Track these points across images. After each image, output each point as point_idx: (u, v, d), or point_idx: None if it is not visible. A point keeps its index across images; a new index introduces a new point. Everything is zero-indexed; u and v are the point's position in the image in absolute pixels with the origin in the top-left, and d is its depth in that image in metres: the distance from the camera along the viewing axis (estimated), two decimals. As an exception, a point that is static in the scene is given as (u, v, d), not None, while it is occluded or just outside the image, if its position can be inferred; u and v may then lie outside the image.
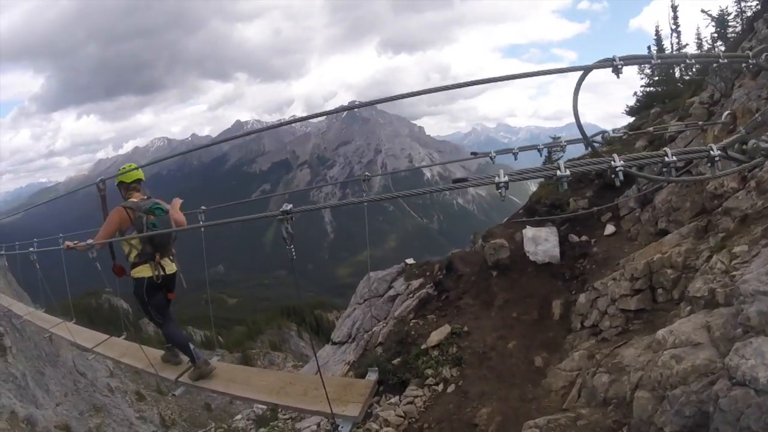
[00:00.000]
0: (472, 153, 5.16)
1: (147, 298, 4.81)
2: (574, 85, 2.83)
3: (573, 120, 3.25)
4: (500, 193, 2.32)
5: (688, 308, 5.01)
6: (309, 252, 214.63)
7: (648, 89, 15.75)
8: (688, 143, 7.86)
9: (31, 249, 6.46)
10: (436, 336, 8.33)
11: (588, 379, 5.84)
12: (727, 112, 5.48)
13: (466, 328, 8.41)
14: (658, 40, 17.92)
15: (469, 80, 2.78)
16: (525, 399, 6.69)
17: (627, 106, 16.21)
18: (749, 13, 12.97)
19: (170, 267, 4.99)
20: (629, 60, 2.62)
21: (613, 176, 2.31)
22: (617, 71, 2.61)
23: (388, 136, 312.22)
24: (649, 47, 17.78)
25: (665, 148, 2.44)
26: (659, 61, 2.71)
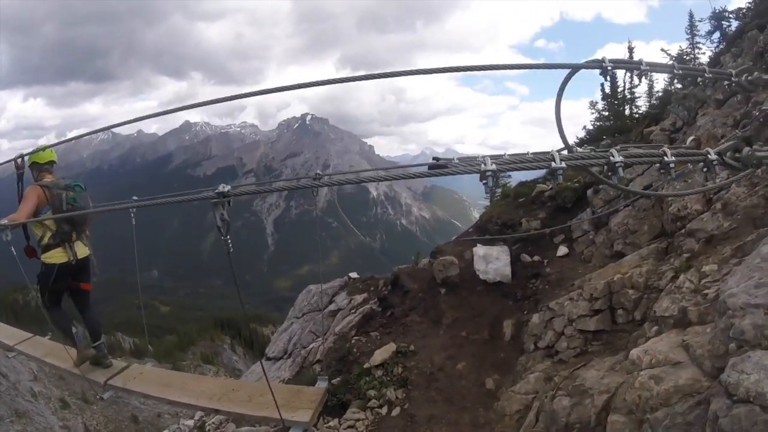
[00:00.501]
0: (434, 158, 4.84)
1: (60, 282, 4.69)
2: (557, 91, 2.57)
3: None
4: (485, 184, 1.93)
5: (655, 328, 4.87)
6: (248, 263, 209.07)
7: (598, 123, 16.12)
8: (646, 169, 7.84)
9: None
10: (380, 355, 7.75)
11: (546, 402, 5.54)
12: (691, 138, 5.41)
13: (412, 347, 7.90)
14: (612, 79, 18.32)
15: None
16: (477, 424, 6.26)
17: (576, 137, 16.51)
18: (705, 56, 13.63)
19: (82, 251, 4.89)
20: (618, 63, 2.52)
21: (610, 173, 2.10)
22: (605, 73, 2.51)
23: (338, 152, 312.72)
24: (602, 85, 18.17)
25: (663, 147, 2.29)
26: (647, 67, 2.61)
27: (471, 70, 2.41)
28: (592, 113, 16.39)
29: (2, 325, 7.36)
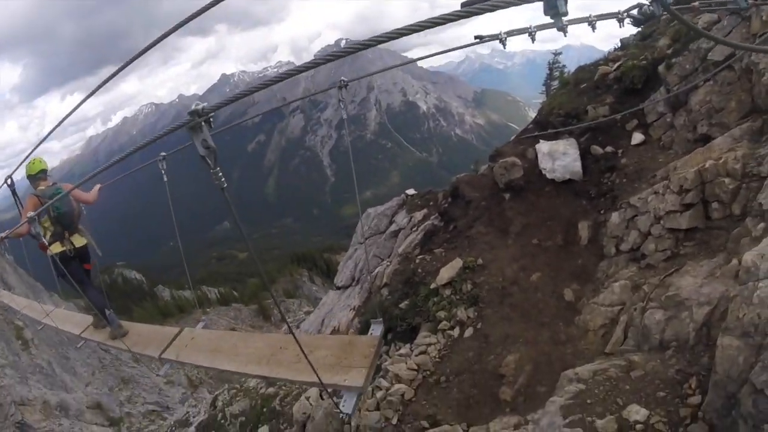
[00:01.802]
0: (476, 36, 3.89)
1: (65, 269, 5.04)
2: None
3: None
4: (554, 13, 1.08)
5: (762, 225, 4.08)
6: (312, 197, 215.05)
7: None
8: (726, 34, 6.38)
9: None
10: (446, 272, 7.22)
11: (636, 315, 4.89)
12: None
13: (480, 261, 7.28)
14: None
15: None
16: (557, 341, 5.68)
17: (627, 15, 14.20)
18: None
19: (79, 241, 5.73)
20: None
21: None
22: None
23: (381, 72, 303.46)
24: None
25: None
26: None
27: None
28: None
29: (70, 313, 7.84)
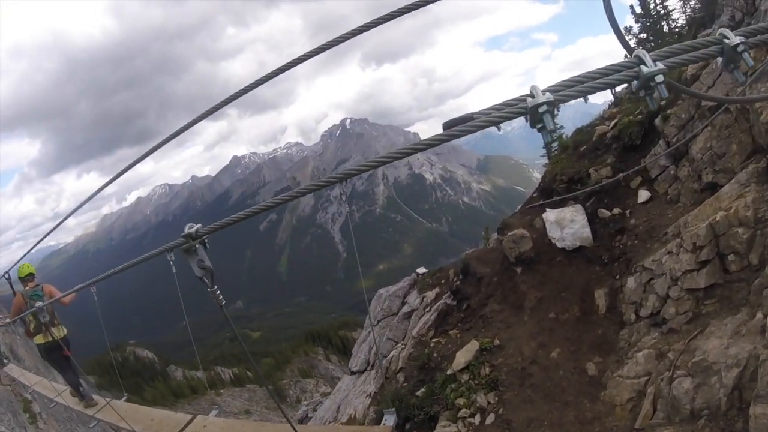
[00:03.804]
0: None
1: (47, 355, 6.92)
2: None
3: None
4: (541, 128, 1.15)
5: None
6: (325, 274, 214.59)
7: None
8: (717, 77, 6.55)
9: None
10: (462, 356, 6.97)
11: (663, 386, 4.64)
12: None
13: (497, 341, 7.05)
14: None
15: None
16: (584, 420, 5.36)
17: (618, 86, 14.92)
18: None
19: (59, 332, 6.81)
20: None
21: (732, 69, 1.19)
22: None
23: (384, 147, 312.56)
24: (631, 6, 16.38)
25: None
26: None
27: None
28: (629, 38, 14.84)
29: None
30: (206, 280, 2.04)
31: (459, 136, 1.44)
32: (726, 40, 1.14)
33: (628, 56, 1.21)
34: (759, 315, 4.03)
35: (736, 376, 3.77)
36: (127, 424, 5.53)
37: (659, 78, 1.03)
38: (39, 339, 6.77)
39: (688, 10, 14.05)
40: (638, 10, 15.49)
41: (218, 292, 2.20)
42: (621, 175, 7.90)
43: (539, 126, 1.12)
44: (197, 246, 1.91)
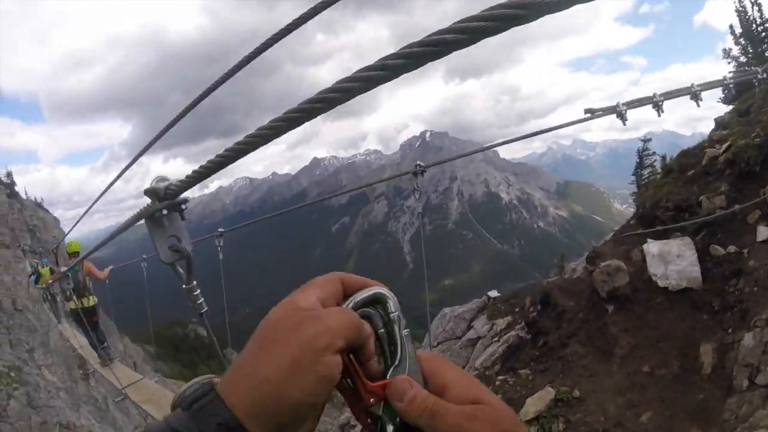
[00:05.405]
0: (587, 110, 3.12)
1: (76, 318, 8.62)
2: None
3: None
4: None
5: None
6: (390, 282, 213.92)
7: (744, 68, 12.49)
8: None
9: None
10: (533, 404, 5.83)
11: None
12: None
13: (576, 392, 5.84)
14: (741, 16, 14.09)
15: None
16: None
17: (722, 92, 12.89)
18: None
19: (88, 301, 8.41)
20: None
21: None
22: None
23: (463, 163, 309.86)
24: (730, 26, 14.14)
25: None
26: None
27: None
28: (728, 62, 12.96)
29: (123, 368, 9.58)
30: (180, 270, 1.22)
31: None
32: None
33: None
34: None
35: None
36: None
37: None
38: (71, 305, 8.32)
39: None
40: (738, 30, 13.51)
41: (198, 292, 1.35)
42: (737, 207, 6.42)
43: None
44: (164, 212, 1.07)
